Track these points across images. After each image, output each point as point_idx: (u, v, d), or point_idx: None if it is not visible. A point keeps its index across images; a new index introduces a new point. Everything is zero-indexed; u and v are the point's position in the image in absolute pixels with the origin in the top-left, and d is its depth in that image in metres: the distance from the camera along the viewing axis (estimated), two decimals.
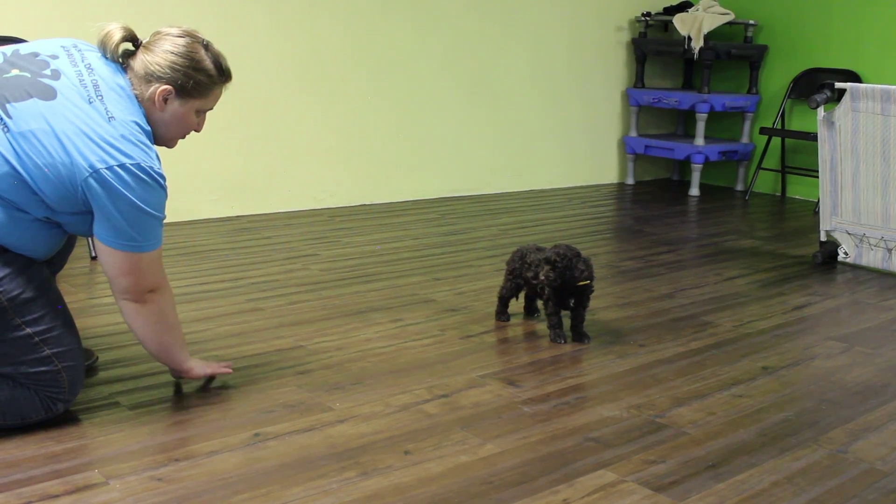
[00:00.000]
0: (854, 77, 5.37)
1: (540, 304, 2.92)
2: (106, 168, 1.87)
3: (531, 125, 5.59)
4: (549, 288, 2.66)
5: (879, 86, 3.50)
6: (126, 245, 1.95)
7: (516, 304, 2.98)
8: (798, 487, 1.84)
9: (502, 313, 2.90)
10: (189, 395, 2.20)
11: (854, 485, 1.86)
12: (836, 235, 3.84)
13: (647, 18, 5.85)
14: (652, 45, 5.85)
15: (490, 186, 5.45)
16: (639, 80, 5.94)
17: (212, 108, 2.13)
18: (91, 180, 1.86)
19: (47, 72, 1.93)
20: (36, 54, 1.97)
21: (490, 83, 5.34)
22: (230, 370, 2.31)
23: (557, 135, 5.75)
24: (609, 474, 1.86)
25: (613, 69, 5.97)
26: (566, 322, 2.76)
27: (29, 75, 1.92)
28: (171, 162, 4.15)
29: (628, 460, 1.93)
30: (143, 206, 1.92)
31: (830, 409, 2.27)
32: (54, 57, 1.97)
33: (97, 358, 2.39)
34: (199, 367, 2.24)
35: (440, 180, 5.22)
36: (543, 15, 5.49)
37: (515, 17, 5.36)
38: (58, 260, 2.29)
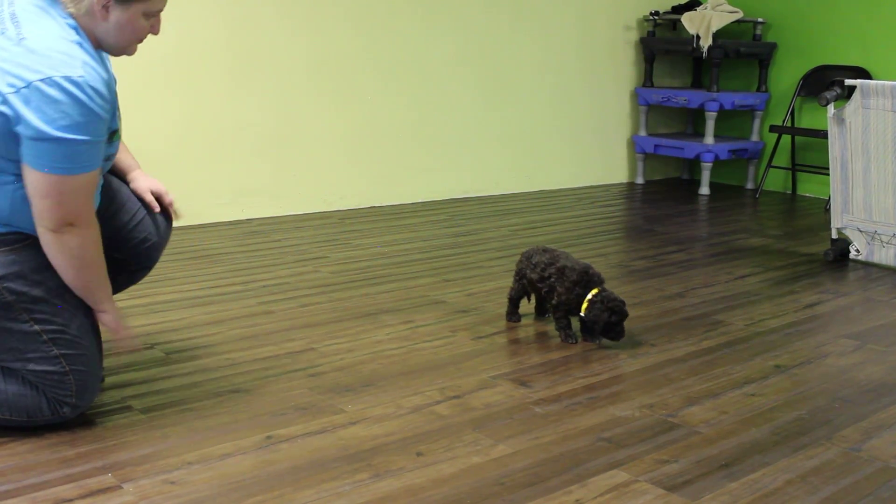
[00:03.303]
0: (864, 74, 5.35)
1: None
2: (13, 92, 1.75)
3: (540, 126, 5.59)
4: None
5: (889, 82, 3.48)
6: (46, 166, 1.79)
7: (527, 305, 2.98)
8: (812, 486, 1.83)
9: (513, 314, 2.90)
10: (201, 398, 2.21)
11: (868, 483, 1.85)
12: (848, 233, 3.83)
13: (656, 17, 5.84)
14: (660, 44, 5.84)
15: (499, 187, 5.45)
16: (648, 80, 5.93)
17: (161, 9, 1.97)
18: (3, 108, 1.76)
19: None
20: None
21: (499, 84, 5.34)
22: (131, 348, 2.14)
23: (567, 135, 5.74)
24: (622, 474, 1.86)
25: (622, 68, 5.96)
26: (575, 323, 2.76)
27: None
28: (181, 166, 4.17)
29: (641, 460, 1.93)
30: (57, 129, 1.76)
31: (843, 407, 2.26)
32: None
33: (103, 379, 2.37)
34: (111, 317, 2.03)
35: (449, 182, 5.22)
36: (552, 15, 5.49)
37: (525, 17, 5.36)
38: (123, 281, 2.25)
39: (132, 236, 2.21)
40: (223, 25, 4.22)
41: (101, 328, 2.06)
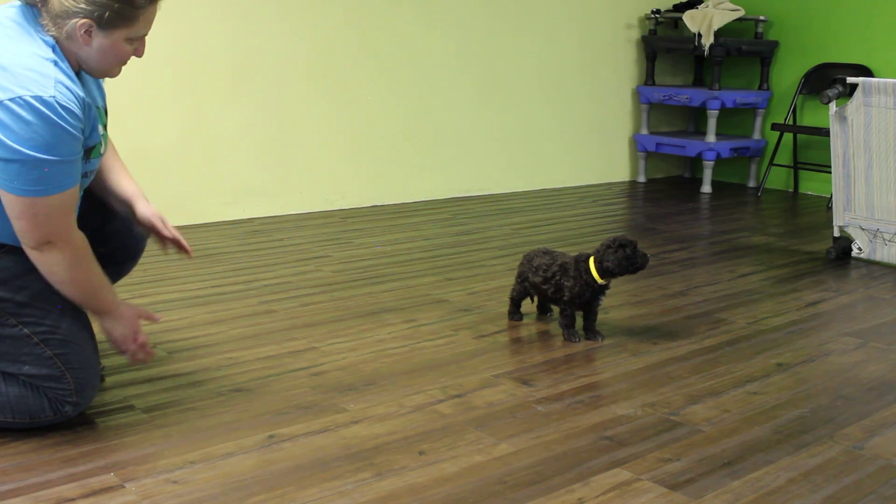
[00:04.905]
0: (866, 71, 5.34)
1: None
2: None
3: (542, 124, 5.59)
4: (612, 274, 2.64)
5: (891, 80, 3.48)
6: (17, 189, 1.77)
7: (530, 304, 2.98)
8: (814, 484, 1.83)
9: (515, 313, 2.90)
10: (203, 397, 2.21)
11: (871, 481, 1.85)
12: (850, 231, 3.83)
13: (657, 16, 5.83)
14: (662, 42, 5.83)
15: (501, 186, 5.45)
16: (649, 78, 5.93)
17: (146, 34, 1.94)
18: None
19: None
20: None
21: (500, 83, 5.34)
22: (142, 360, 2.10)
23: (568, 133, 5.74)
24: (624, 473, 1.86)
25: (624, 67, 5.96)
26: (578, 321, 2.76)
27: None
28: (183, 165, 4.18)
29: (643, 458, 1.93)
30: (23, 148, 1.74)
31: (846, 405, 2.26)
32: None
33: (104, 367, 2.38)
34: (119, 329, 2.03)
35: (451, 180, 5.22)
36: (553, 14, 5.49)
37: (525, 16, 5.36)
38: (111, 274, 2.23)
39: (114, 228, 2.21)
40: (224, 26, 4.22)
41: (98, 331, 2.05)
